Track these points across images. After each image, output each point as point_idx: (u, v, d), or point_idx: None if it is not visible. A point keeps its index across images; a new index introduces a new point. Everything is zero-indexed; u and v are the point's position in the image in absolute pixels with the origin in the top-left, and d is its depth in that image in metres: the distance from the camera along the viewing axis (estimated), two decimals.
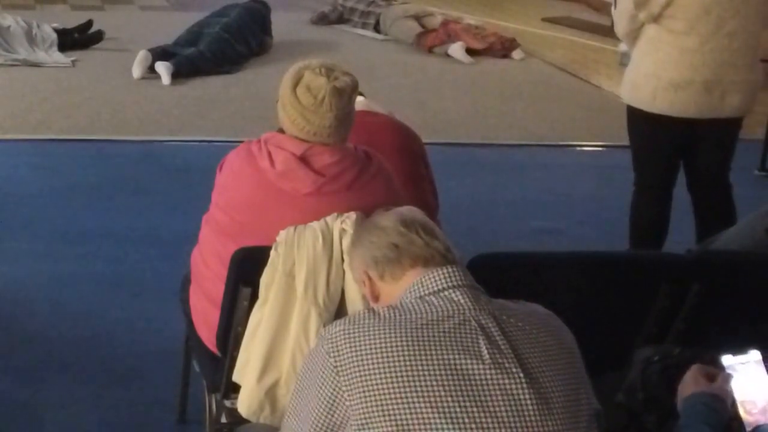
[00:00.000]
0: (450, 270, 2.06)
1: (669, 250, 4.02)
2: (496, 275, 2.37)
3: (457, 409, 1.87)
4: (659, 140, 4.14)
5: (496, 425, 1.87)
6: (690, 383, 2.09)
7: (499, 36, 8.67)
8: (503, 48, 8.53)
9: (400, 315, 1.97)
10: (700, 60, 3.94)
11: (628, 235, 4.32)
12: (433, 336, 1.93)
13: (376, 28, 9.04)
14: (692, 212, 4.28)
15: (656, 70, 4.00)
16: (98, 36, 8.01)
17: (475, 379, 1.90)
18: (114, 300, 4.11)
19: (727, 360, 2.03)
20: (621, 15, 4.11)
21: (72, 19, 8.36)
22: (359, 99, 3.26)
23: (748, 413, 2.02)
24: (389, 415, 1.86)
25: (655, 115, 4.05)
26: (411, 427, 1.85)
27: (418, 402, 1.87)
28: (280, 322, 2.51)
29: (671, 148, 4.16)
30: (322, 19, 9.38)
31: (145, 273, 4.34)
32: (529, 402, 1.91)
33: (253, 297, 2.56)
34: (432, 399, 1.87)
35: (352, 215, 2.51)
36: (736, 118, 4.12)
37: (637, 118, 4.15)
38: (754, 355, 2.01)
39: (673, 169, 4.22)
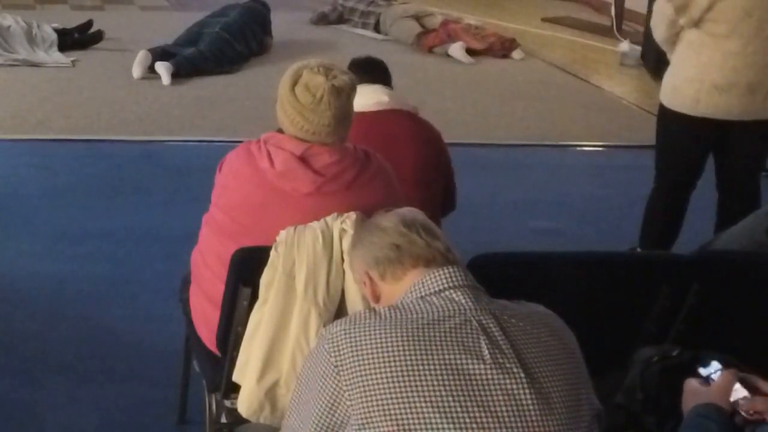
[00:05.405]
0: (451, 270, 2.06)
1: (673, 251, 4.04)
2: (496, 275, 2.37)
3: (458, 409, 1.87)
4: (694, 143, 4.16)
5: (496, 425, 1.87)
6: (689, 396, 2.05)
7: (499, 36, 8.66)
8: (503, 48, 8.52)
9: (401, 315, 1.97)
10: (742, 62, 3.96)
11: (639, 232, 4.36)
12: (434, 336, 1.93)
13: (376, 28, 9.03)
14: (716, 211, 4.30)
15: (699, 74, 4.01)
16: (98, 36, 8.00)
17: (476, 379, 1.90)
18: (114, 300, 4.11)
19: (704, 371, 2.03)
20: (660, 20, 4.11)
21: (72, 19, 8.34)
22: (383, 99, 3.25)
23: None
24: (390, 414, 1.86)
25: (695, 118, 4.06)
26: (412, 426, 1.85)
27: (419, 402, 1.87)
28: (280, 322, 2.51)
29: (704, 150, 4.20)
30: (322, 19, 9.36)
31: (145, 273, 4.34)
32: (530, 402, 1.91)
33: (253, 297, 2.56)
34: (433, 399, 1.87)
35: (352, 215, 2.51)
36: None
37: (672, 121, 4.16)
38: (716, 365, 2.02)
39: (699, 171, 4.26)
